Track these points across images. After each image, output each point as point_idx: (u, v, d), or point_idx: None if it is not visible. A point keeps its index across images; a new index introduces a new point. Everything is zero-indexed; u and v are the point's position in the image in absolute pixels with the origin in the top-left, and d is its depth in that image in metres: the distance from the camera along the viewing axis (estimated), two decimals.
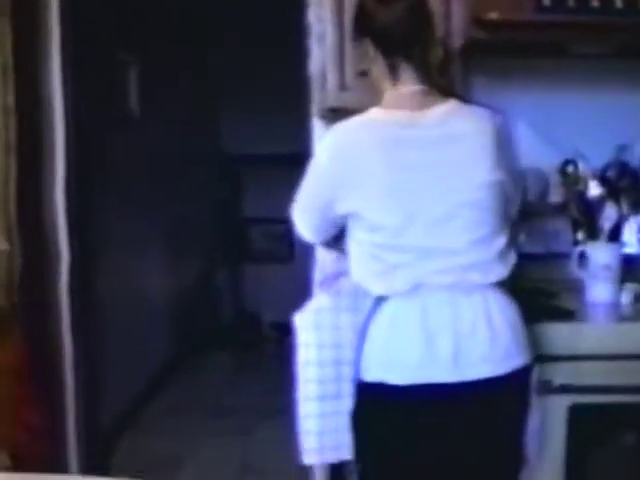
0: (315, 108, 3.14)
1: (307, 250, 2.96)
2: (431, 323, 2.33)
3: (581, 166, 3.08)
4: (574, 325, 2.75)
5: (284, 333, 2.97)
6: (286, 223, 2.63)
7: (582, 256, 2.98)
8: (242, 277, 7.26)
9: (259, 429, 4.96)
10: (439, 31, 2.56)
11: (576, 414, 2.67)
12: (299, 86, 3.24)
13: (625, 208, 2.97)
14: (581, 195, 3.01)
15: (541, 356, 2.57)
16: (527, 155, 3.17)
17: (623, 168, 3.05)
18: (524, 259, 3.13)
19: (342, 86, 2.94)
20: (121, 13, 4.83)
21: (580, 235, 3.06)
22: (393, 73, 2.44)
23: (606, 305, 2.92)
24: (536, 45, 2.97)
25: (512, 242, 2.44)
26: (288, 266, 6.50)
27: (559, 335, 2.68)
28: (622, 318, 2.86)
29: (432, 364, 2.31)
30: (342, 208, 2.40)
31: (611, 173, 3.05)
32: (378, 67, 2.46)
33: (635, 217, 3.08)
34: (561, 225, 3.18)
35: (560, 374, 2.64)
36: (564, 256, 3.08)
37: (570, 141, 3.16)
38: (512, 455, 2.46)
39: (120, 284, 4.80)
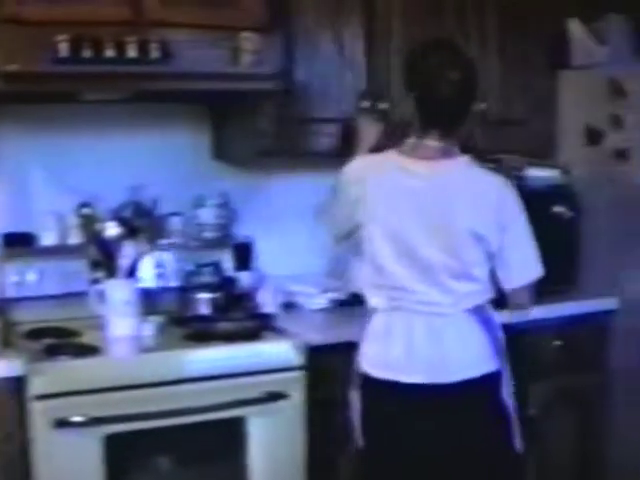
0: None
1: None
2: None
3: (97, 208, 3.20)
4: (100, 359, 2.86)
5: None
6: None
7: (101, 294, 3.09)
8: None
9: None
10: None
11: (111, 444, 2.77)
12: None
13: (143, 246, 3.12)
14: (99, 236, 3.12)
15: (58, 393, 2.69)
16: (44, 199, 3.35)
17: (138, 208, 3.21)
18: (41, 300, 3.26)
19: None
20: None
21: (99, 274, 3.16)
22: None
23: (128, 338, 3.04)
24: (52, 93, 3.03)
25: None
26: None
27: (88, 370, 2.78)
28: (144, 349, 3.01)
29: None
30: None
31: (127, 213, 3.20)
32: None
33: (152, 253, 3.26)
34: (79, 266, 3.25)
35: (93, 407, 2.72)
36: (83, 295, 3.15)
37: (85, 184, 3.28)
38: None
39: None
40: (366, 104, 3.35)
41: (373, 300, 2.73)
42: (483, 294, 2.70)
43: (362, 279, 2.78)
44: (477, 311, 2.70)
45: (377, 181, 2.67)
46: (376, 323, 2.72)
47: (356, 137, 3.14)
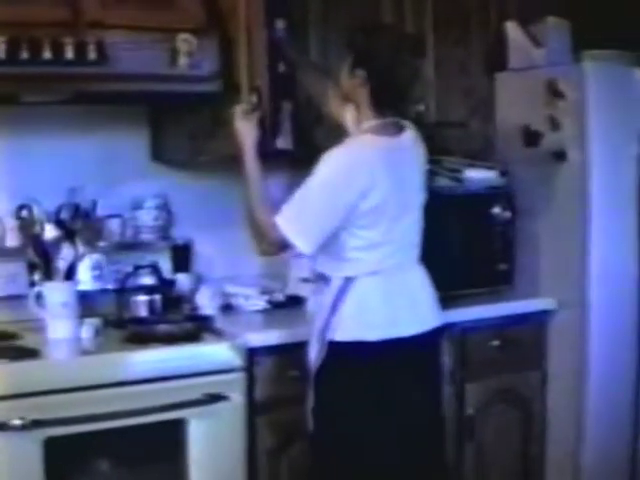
0: None
1: None
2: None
3: (35, 210, 3.16)
4: (39, 362, 2.82)
5: None
6: None
7: (39, 296, 3.07)
8: None
9: None
10: None
11: (51, 447, 2.74)
12: None
13: (81, 248, 3.11)
14: (37, 238, 3.11)
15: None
16: None
17: (76, 210, 3.19)
18: None
19: None
20: None
21: (37, 276, 3.15)
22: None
23: (67, 341, 3.03)
24: None
25: None
26: None
27: (27, 373, 2.75)
28: (83, 352, 3.00)
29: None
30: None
31: (65, 215, 3.17)
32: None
33: (90, 256, 3.25)
34: (18, 268, 3.24)
35: (32, 410, 2.69)
36: (22, 297, 3.14)
37: (23, 186, 3.24)
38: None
39: None
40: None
41: (350, 271, 2.75)
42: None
43: (333, 255, 2.78)
44: None
45: (379, 162, 2.70)
46: (366, 288, 2.74)
47: (237, 141, 2.97)
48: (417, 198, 2.88)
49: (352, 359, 2.74)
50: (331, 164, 2.70)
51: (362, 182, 2.67)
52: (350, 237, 2.74)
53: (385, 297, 2.75)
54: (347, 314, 2.75)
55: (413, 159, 2.85)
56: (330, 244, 2.75)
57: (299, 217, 2.72)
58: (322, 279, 2.84)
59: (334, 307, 2.76)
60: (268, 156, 2.97)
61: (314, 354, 2.79)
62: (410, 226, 2.84)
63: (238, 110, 2.99)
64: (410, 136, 2.86)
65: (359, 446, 2.76)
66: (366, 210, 2.69)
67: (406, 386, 2.76)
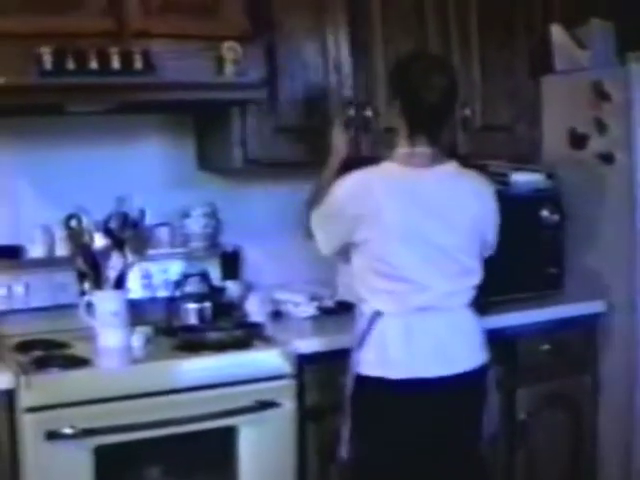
0: None
1: None
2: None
3: (85, 219, 3.18)
4: (89, 371, 2.84)
5: None
6: None
7: (90, 305, 3.10)
8: None
9: None
10: None
11: (101, 455, 2.76)
12: None
13: (130, 256, 3.13)
14: (86, 247, 3.13)
15: (49, 405, 2.69)
16: (31, 212, 3.36)
17: (125, 219, 3.19)
18: (29, 312, 3.26)
19: None
20: None
21: (86, 285, 3.18)
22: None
23: (118, 349, 3.05)
24: (37, 106, 3.01)
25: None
26: None
27: (78, 382, 2.78)
28: (134, 360, 3.00)
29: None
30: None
31: (114, 224, 3.17)
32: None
33: (139, 264, 3.26)
34: (68, 277, 3.26)
35: (83, 419, 2.72)
36: (72, 307, 3.17)
37: (72, 196, 3.25)
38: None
39: None
40: (351, 112, 3.41)
41: (378, 305, 2.76)
42: (475, 288, 2.85)
43: (363, 285, 2.80)
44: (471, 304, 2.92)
45: (386, 190, 2.71)
46: (388, 327, 2.74)
47: (330, 147, 3.13)
48: (456, 240, 2.80)
49: (376, 393, 2.76)
50: (336, 189, 2.83)
51: (354, 210, 2.74)
52: (369, 269, 2.76)
53: (406, 338, 2.74)
54: (371, 350, 2.77)
55: (447, 195, 2.78)
56: (360, 274, 2.80)
57: (321, 219, 2.90)
58: (359, 309, 2.87)
59: (361, 341, 2.79)
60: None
61: (349, 382, 2.82)
62: (444, 267, 2.78)
63: (337, 122, 3.18)
64: (448, 170, 2.83)
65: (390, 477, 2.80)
66: (366, 238, 2.72)
67: (434, 424, 2.75)
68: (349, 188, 2.79)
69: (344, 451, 2.83)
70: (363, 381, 2.78)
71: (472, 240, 2.85)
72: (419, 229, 2.72)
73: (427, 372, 2.72)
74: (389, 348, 2.74)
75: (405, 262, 2.72)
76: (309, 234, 2.95)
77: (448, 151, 2.90)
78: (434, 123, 2.79)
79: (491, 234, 2.92)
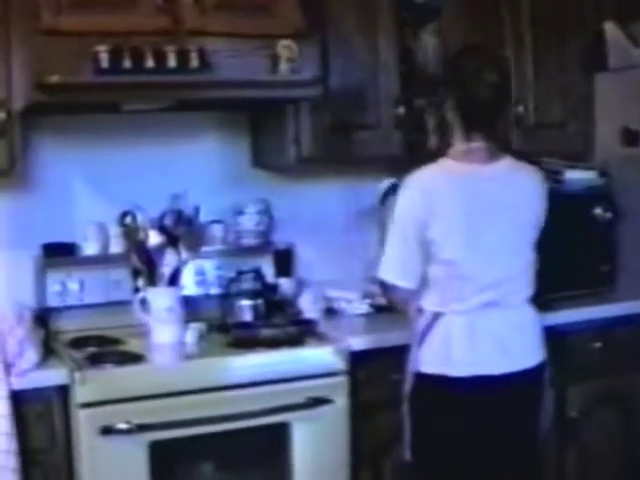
0: None
1: None
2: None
3: (139, 216, 3.20)
4: (144, 367, 2.89)
5: None
6: None
7: (144, 302, 3.12)
8: None
9: None
10: None
11: (156, 450, 2.80)
12: None
13: (184, 253, 3.15)
14: (141, 244, 3.15)
15: (103, 401, 2.73)
16: (85, 209, 3.39)
17: (179, 216, 3.20)
18: (84, 309, 3.30)
19: None
20: None
21: (141, 282, 3.20)
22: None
23: (172, 345, 3.08)
24: (93, 104, 3.04)
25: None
26: None
27: (132, 377, 2.81)
28: (188, 356, 3.04)
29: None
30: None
31: (168, 221, 3.19)
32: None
33: (193, 261, 3.28)
34: (122, 274, 3.29)
35: (137, 414, 2.76)
36: (127, 303, 3.19)
37: (126, 193, 3.28)
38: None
39: None
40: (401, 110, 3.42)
41: (440, 303, 2.76)
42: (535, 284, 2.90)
43: (424, 283, 2.79)
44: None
45: (449, 188, 2.71)
46: (451, 324, 2.73)
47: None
48: (515, 234, 2.82)
49: (438, 391, 2.75)
50: (399, 200, 2.81)
51: (418, 213, 2.71)
52: (431, 267, 2.76)
53: (469, 336, 2.74)
54: (432, 348, 2.76)
55: (507, 190, 2.78)
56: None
57: (389, 263, 2.83)
58: (419, 308, 2.85)
59: (422, 339, 2.78)
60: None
61: (408, 381, 2.82)
62: (507, 262, 2.79)
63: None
64: (505, 166, 2.82)
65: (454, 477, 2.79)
66: (432, 239, 2.70)
67: (496, 422, 2.74)
68: (404, 199, 2.76)
69: (408, 454, 2.82)
70: (423, 379, 2.77)
71: (532, 234, 2.86)
72: (481, 226, 2.71)
73: (491, 369, 2.71)
74: (453, 346, 2.73)
75: (468, 260, 2.71)
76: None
77: (503, 148, 2.87)
78: (488, 118, 2.78)
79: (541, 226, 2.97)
